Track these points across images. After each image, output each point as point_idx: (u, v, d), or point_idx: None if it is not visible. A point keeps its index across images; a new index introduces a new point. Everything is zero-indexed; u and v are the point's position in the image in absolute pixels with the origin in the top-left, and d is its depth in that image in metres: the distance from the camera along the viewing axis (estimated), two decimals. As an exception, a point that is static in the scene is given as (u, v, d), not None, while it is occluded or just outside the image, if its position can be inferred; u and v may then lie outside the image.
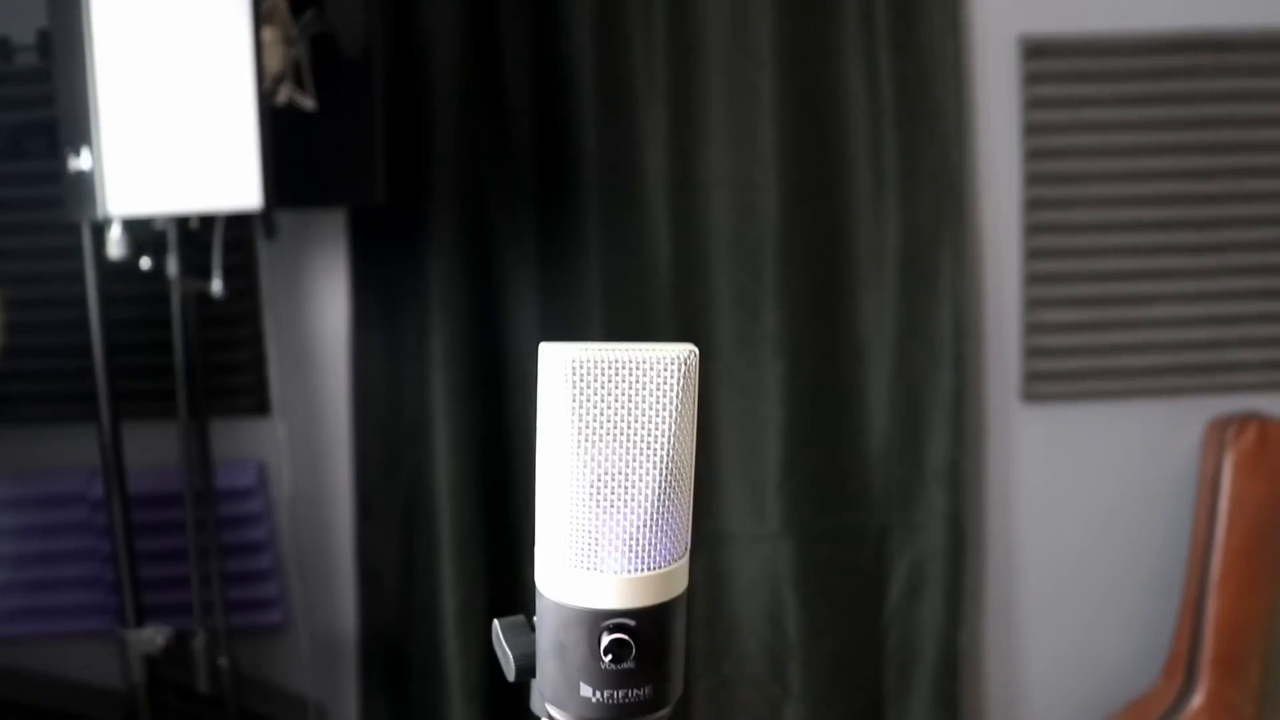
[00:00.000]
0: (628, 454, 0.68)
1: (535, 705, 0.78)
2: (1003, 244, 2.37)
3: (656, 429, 0.67)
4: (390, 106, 2.17)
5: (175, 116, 1.66)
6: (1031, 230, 2.36)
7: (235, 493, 2.37)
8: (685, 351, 0.68)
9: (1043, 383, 2.40)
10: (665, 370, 0.67)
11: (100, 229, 1.84)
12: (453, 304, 2.27)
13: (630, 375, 0.67)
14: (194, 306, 2.01)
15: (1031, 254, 2.36)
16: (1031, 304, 2.37)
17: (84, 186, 1.75)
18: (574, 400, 0.67)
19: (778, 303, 2.30)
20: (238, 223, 2.12)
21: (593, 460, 0.68)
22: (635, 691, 0.70)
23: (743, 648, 2.41)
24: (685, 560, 0.73)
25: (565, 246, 2.29)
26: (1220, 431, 2.36)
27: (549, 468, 0.70)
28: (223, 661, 2.03)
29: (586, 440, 0.67)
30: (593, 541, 0.69)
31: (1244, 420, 2.34)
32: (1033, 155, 2.34)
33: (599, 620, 0.69)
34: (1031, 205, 2.35)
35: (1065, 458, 2.44)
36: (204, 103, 1.65)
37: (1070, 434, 2.43)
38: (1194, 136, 2.35)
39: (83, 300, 1.95)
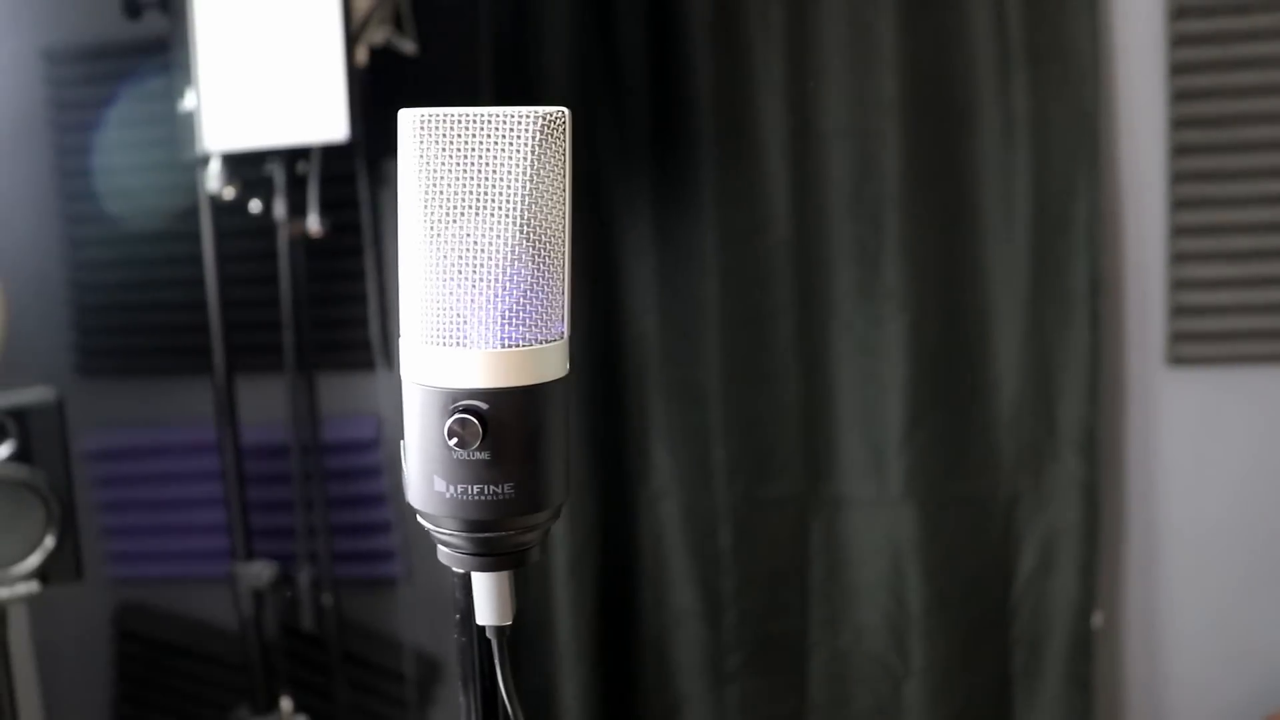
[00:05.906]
0: (478, 217, 0.63)
1: None
2: (1145, 194, 2.21)
3: (509, 189, 0.62)
4: (498, 51, 2.16)
5: (268, 56, 1.70)
6: (1178, 178, 2.18)
7: (354, 446, 2.41)
8: (546, 109, 0.63)
9: (1190, 344, 2.22)
10: (517, 126, 0.62)
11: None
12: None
13: (479, 131, 0.62)
14: (303, 256, 2.04)
15: (1178, 204, 2.19)
16: (1178, 258, 2.20)
17: (192, 127, 1.80)
18: (420, 158, 0.63)
19: (900, 257, 2.21)
20: (343, 179, 2.14)
21: (440, 224, 0.64)
22: (491, 488, 0.63)
23: (861, 618, 2.32)
24: (558, 346, 0.66)
25: (680, 197, 2.25)
26: (1395, 399, 2.15)
27: (404, 241, 0.66)
28: (326, 599, 2.06)
29: (433, 202, 0.63)
30: (445, 313, 0.64)
31: None
32: (1180, 97, 2.17)
33: (448, 401, 0.63)
34: (1178, 151, 2.18)
35: (1214, 425, 2.25)
36: (294, 40, 1.69)
37: (1220, 400, 2.24)
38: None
39: (197, 259, 2.01)
